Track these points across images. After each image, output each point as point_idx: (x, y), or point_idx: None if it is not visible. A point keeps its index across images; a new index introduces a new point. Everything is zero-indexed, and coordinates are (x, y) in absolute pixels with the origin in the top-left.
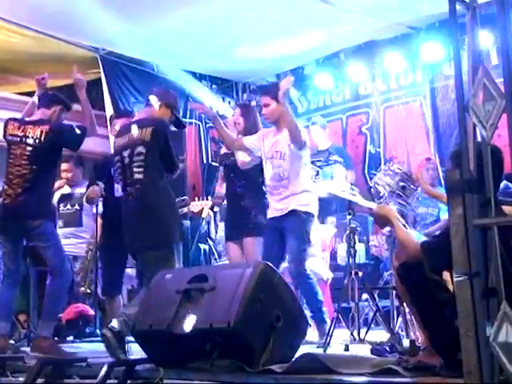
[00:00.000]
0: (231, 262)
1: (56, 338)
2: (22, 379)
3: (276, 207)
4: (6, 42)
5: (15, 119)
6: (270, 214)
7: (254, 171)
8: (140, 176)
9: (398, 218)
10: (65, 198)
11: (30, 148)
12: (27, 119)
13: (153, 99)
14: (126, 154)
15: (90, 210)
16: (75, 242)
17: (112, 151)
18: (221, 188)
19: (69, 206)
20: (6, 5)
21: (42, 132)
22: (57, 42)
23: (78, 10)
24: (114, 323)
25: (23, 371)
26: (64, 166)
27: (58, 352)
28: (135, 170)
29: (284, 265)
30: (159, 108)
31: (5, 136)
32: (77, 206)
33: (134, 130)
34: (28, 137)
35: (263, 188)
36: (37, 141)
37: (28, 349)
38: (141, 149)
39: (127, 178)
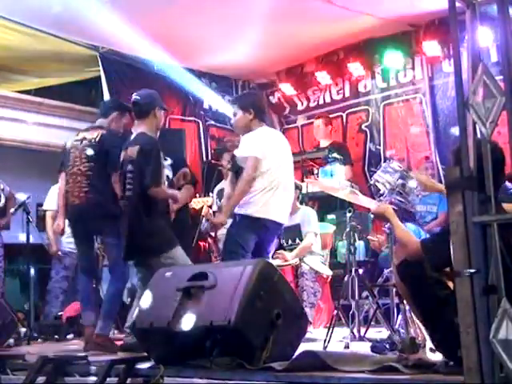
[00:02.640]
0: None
1: (56, 336)
2: (22, 377)
3: None
4: (5, 40)
5: None
6: None
7: None
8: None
9: (395, 216)
10: None
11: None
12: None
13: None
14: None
15: None
16: None
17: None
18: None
19: None
20: (5, 3)
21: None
22: (56, 40)
23: (78, 8)
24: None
25: (24, 369)
26: None
27: (116, 350)
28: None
29: None
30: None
31: None
32: None
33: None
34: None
35: None
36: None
37: (28, 348)
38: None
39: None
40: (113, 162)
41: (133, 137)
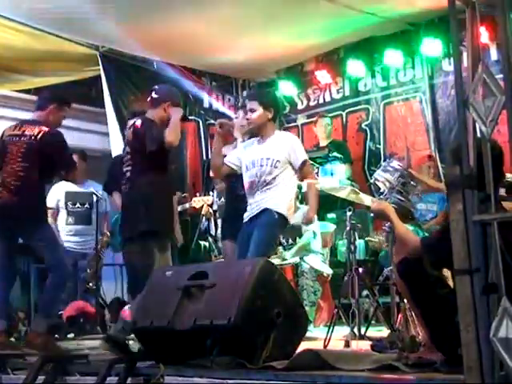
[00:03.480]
0: (230, 260)
1: (56, 336)
2: (22, 376)
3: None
4: (5, 40)
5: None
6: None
7: None
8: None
9: (395, 214)
10: (72, 196)
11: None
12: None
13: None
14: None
15: (100, 208)
16: (84, 239)
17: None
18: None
19: (78, 204)
20: (5, 2)
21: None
22: (56, 40)
23: (78, 7)
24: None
25: (24, 368)
26: None
27: (53, 348)
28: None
29: None
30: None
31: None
32: (87, 205)
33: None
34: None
35: None
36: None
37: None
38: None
39: None
40: (61, 161)
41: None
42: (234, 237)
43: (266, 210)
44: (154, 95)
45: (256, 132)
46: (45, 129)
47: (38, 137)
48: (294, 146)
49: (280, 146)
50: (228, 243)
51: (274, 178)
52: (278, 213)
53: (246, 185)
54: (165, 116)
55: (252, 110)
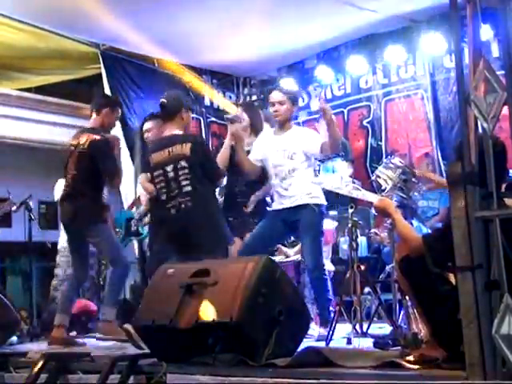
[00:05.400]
0: (231, 257)
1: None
2: (25, 375)
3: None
4: (6, 38)
5: None
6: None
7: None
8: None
9: (397, 211)
10: None
11: None
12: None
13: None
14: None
15: None
16: None
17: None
18: None
19: None
20: (6, 1)
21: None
22: (57, 38)
23: (79, 5)
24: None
25: (26, 367)
26: None
27: (126, 333)
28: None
29: None
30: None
31: None
32: None
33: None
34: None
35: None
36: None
37: (31, 345)
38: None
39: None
40: (103, 168)
41: (167, 137)
42: (241, 233)
43: (306, 207)
44: (165, 107)
45: (279, 124)
46: (93, 137)
47: (86, 145)
48: (311, 135)
49: (300, 137)
50: (236, 240)
51: (296, 168)
52: (317, 205)
53: (273, 176)
54: (186, 123)
55: (281, 103)
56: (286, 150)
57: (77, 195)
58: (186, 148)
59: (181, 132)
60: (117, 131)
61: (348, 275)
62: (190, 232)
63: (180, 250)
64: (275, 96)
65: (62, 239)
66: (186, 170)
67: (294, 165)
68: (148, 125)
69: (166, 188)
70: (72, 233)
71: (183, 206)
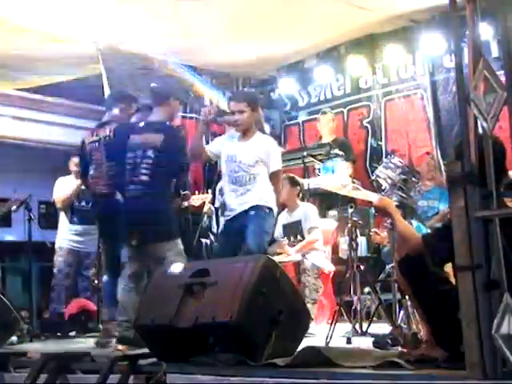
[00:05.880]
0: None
1: (58, 334)
2: (25, 375)
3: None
4: (6, 38)
5: None
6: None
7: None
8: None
9: (397, 211)
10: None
11: None
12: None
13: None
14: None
15: None
16: (88, 238)
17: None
18: None
19: (83, 203)
20: (6, 1)
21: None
22: (57, 37)
23: (79, 5)
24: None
25: (26, 367)
26: (75, 159)
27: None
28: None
29: None
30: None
31: None
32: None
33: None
34: None
35: None
36: None
37: (31, 345)
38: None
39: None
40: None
41: (146, 123)
42: None
43: (254, 207)
44: (154, 92)
45: (242, 132)
46: (114, 125)
47: (111, 135)
48: (272, 152)
49: (260, 148)
50: None
51: (255, 177)
52: (266, 206)
53: (226, 177)
54: (173, 111)
55: (241, 112)
56: (246, 157)
57: None
58: (158, 138)
59: (162, 120)
60: None
61: (348, 275)
62: (133, 220)
63: (123, 234)
64: (234, 105)
65: (59, 239)
66: (150, 160)
67: (250, 174)
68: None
69: (130, 171)
70: None
71: (134, 193)
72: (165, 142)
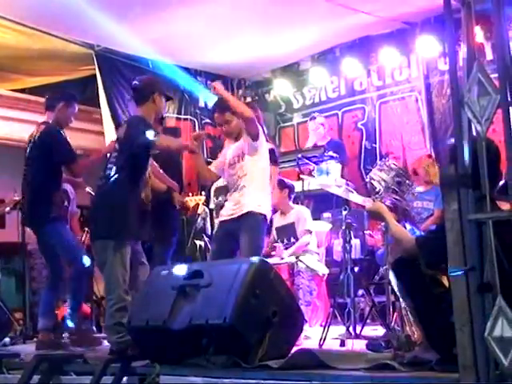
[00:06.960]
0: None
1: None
2: (18, 376)
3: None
4: (0, 39)
5: None
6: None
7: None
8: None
9: (390, 214)
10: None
11: None
12: None
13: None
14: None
15: None
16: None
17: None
18: None
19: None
20: (0, 1)
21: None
22: (51, 39)
23: (73, 6)
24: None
25: (20, 368)
26: None
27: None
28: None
29: None
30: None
31: None
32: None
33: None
34: None
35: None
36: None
37: (24, 346)
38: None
39: None
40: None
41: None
42: None
43: (248, 214)
44: (137, 90)
45: (234, 138)
46: (42, 127)
47: (36, 137)
48: (259, 144)
49: (244, 142)
50: None
51: (245, 174)
52: (260, 214)
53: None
54: (159, 108)
55: (227, 122)
56: (235, 156)
57: None
58: (122, 130)
59: (138, 114)
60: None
61: (342, 277)
62: (92, 215)
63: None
64: (218, 117)
65: None
66: (115, 154)
67: (243, 175)
68: None
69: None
70: None
71: (97, 188)
72: (125, 133)
